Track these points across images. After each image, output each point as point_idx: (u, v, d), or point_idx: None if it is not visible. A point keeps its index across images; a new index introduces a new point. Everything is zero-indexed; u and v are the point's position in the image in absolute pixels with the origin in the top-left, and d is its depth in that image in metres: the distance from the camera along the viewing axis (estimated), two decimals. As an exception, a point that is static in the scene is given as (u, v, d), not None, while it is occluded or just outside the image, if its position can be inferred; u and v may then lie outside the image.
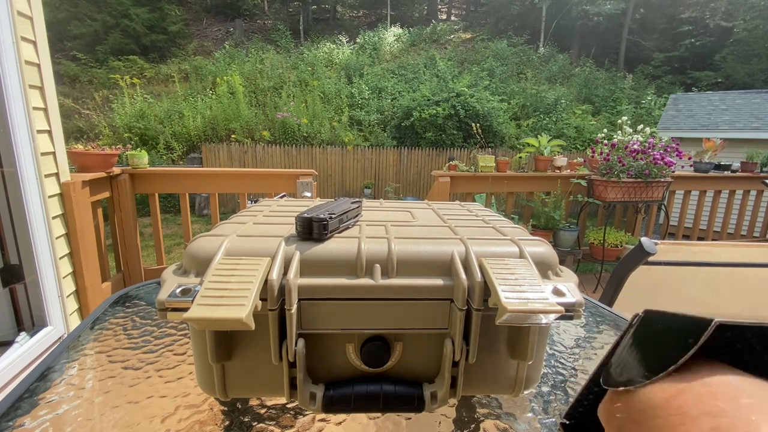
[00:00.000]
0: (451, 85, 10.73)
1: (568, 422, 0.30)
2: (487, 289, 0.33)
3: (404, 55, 15.81)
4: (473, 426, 0.47)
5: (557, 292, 0.35)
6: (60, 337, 2.07)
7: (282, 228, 0.43)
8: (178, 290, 0.32)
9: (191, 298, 0.31)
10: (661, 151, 3.36)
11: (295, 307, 0.33)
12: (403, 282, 0.35)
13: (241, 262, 0.34)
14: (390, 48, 16.33)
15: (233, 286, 0.30)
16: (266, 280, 0.32)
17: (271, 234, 0.40)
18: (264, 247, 0.36)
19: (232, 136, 9.34)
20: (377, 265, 0.36)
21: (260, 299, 0.30)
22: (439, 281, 0.35)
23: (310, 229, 0.38)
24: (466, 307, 0.34)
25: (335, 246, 0.37)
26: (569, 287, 0.36)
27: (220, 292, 0.29)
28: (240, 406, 0.49)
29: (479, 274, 0.34)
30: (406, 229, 0.43)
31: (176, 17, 16.13)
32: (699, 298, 1.40)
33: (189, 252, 0.36)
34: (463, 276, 0.34)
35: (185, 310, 0.29)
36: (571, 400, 0.52)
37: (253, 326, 0.27)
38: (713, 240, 4.48)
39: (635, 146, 3.34)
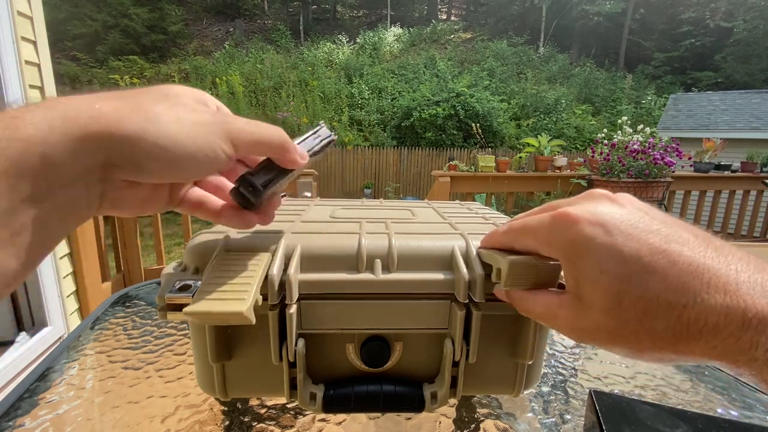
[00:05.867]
0: (451, 85, 10.74)
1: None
2: (488, 283, 0.33)
3: (404, 55, 15.82)
4: (473, 426, 0.47)
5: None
6: (60, 337, 2.07)
7: (282, 225, 0.42)
8: (178, 286, 0.32)
9: (191, 294, 0.31)
10: (661, 151, 3.36)
11: (295, 303, 0.33)
12: (404, 276, 0.35)
13: (241, 257, 0.34)
14: (390, 48, 16.34)
15: (233, 281, 0.30)
16: (266, 275, 0.32)
17: (271, 230, 0.40)
18: (264, 243, 0.36)
19: (232, 136, 9.32)
20: (378, 260, 0.36)
21: (260, 295, 0.30)
22: (440, 275, 0.35)
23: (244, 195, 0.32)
24: (467, 300, 0.34)
25: (336, 241, 0.37)
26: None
27: (220, 287, 0.29)
28: (240, 406, 0.49)
29: (480, 268, 0.34)
30: (407, 226, 0.43)
31: (176, 17, 16.14)
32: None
33: (189, 248, 0.36)
34: (464, 269, 0.34)
35: (185, 306, 0.28)
36: (572, 400, 0.52)
37: (253, 320, 0.27)
38: (713, 240, 4.46)
39: (635, 146, 3.34)
